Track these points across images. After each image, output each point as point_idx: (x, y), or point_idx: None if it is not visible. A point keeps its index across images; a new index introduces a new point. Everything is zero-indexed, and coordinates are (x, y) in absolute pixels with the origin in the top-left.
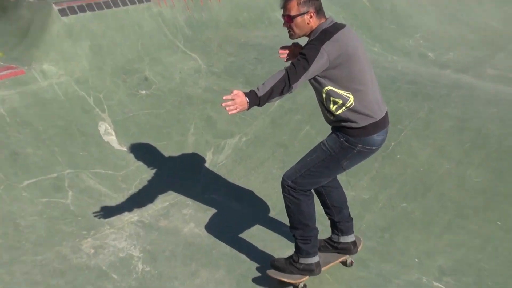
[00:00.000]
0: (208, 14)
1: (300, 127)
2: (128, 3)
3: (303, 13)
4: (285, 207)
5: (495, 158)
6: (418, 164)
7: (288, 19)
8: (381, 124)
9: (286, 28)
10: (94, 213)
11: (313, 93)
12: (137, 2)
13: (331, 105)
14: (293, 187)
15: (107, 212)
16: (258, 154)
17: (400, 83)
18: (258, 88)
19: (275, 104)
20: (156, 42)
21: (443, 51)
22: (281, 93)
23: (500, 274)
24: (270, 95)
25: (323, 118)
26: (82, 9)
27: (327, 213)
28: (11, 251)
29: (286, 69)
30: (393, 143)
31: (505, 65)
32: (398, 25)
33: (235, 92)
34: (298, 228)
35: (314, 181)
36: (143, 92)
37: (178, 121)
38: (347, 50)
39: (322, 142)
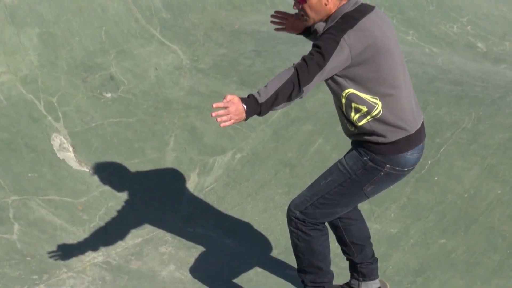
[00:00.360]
0: None
1: (310, 140)
2: None
3: None
4: (292, 245)
5: None
6: (461, 189)
7: (302, 0)
8: (416, 139)
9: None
10: (47, 252)
11: (328, 96)
12: None
13: (353, 113)
14: (303, 219)
15: (64, 250)
16: (257, 175)
17: (441, 83)
18: (258, 92)
19: (278, 111)
20: (124, 30)
21: (497, 40)
22: (289, 99)
23: None
24: (274, 101)
25: (341, 128)
26: None
27: (344, 252)
28: None
29: (296, 67)
30: (429, 162)
31: None
32: (439, 6)
33: (229, 97)
34: (308, 272)
35: (329, 211)
36: (109, 95)
37: (154, 133)
38: (375, 42)
39: (339, 161)
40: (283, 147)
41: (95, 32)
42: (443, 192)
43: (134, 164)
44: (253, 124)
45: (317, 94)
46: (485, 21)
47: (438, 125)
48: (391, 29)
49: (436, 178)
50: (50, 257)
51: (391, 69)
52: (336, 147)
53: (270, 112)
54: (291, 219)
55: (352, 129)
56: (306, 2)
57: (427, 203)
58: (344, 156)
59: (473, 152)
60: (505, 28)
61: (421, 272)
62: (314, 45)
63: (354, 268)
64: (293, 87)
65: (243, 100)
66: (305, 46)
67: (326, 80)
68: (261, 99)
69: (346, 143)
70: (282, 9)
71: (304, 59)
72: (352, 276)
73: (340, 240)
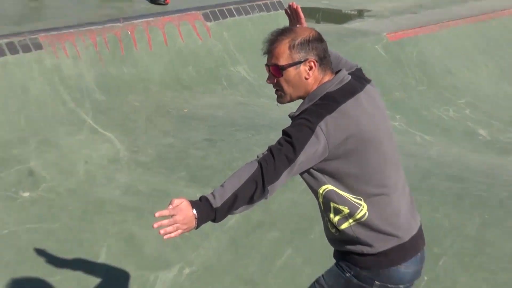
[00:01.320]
0: (133, 68)
1: (277, 251)
2: (7, 52)
3: (299, 62)
4: None
5: None
6: None
7: (275, 71)
8: (411, 248)
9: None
10: None
11: (298, 196)
12: (20, 51)
13: (332, 215)
14: None
15: None
16: None
17: (436, 179)
18: (213, 194)
19: (237, 215)
20: (49, 114)
21: (502, 126)
22: (251, 201)
23: None
24: (232, 205)
25: (314, 236)
26: None
27: None
28: None
29: (260, 161)
30: (426, 278)
31: None
32: (431, 85)
33: (176, 202)
34: None
35: None
36: (26, 194)
37: (81, 243)
38: (360, 132)
39: (316, 280)
40: (243, 260)
41: (12, 118)
42: None
43: (57, 281)
44: (206, 230)
45: (284, 193)
46: (487, 104)
47: (434, 231)
48: (383, 114)
49: None
50: None
51: (379, 164)
52: (308, 260)
53: (228, 216)
54: None
55: (333, 230)
56: (282, 75)
57: None
58: (323, 274)
59: (479, 266)
60: (509, 111)
61: None
62: (283, 133)
63: None
64: (255, 187)
65: (194, 205)
66: (270, 134)
67: (300, 174)
68: (216, 202)
69: (321, 255)
70: (241, 87)
71: (270, 150)
72: None
73: None
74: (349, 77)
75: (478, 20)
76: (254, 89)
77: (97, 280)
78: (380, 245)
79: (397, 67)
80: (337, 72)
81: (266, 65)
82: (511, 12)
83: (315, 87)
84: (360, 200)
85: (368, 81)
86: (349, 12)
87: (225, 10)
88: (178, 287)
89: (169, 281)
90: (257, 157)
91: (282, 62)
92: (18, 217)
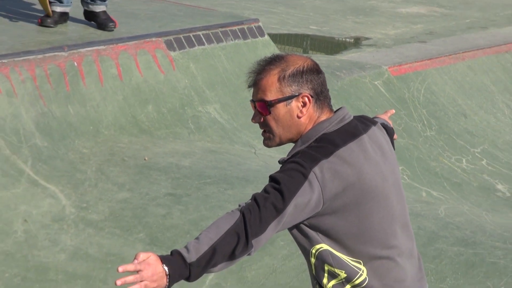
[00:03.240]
0: (81, 108)
1: None
2: None
3: (290, 97)
4: None
5: None
6: None
7: (262, 108)
8: None
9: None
10: None
11: (277, 262)
12: None
13: (325, 279)
14: None
15: None
16: None
17: (443, 243)
18: (187, 248)
19: (206, 284)
20: None
21: None
22: (232, 257)
23: None
24: (210, 260)
25: None
26: None
27: None
28: None
29: (242, 210)
30: None
31: None
32: (441, 130)
33: (142, 256)
34: None
35: None
36: None
37: None
38: (361, 181)
39: None
40: None
41: None
42: None
43: None
44: None
45: (262, 258)
46: (507, 153)
47: None
48: (390, 163)
49: None
50: None
51: (384, 221)
52: None
53: (194, 285)
54: None
55: None
56: (270, 112)
57: None
58: None
59: None
60: None
61: None
62: (271, 178)
63: None
64: (237, 240)
65: (164, 260)
66: (245, 188)
67: (289, 229)
68: (191, 257)
69: None
70: (211, 131)
71: (255, 198)
72: None
73: None
74: (351, 116)
75: (500, 51)
76: (227, 134)
77: None
78: None
79: (400, 108)
80: (336, 111)
81: (252, 100)
82: None
83: (309, 127)
84: (360, 263)
85: (374, 123)
86: (344, 40)
87: (192, 37)
88: None
89: None
90: (239, 205)
91: (270, 97)
92: None
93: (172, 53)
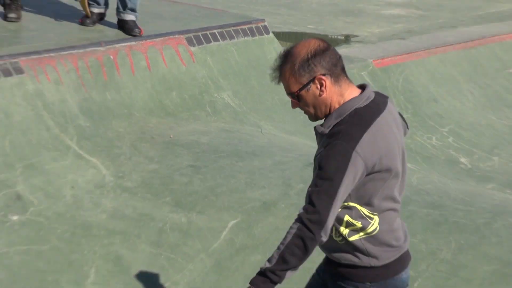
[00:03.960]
0: (116, 94)
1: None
2: None
3: (307, 84)
4: None
5: None
6: None
7: (293, 98)
8: (407, 255)
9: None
10: None
11: (280, 220)
12: (1, 75)
13: (342, 227)
14: None
15: None
16: None
17: (415, 206)
18: (268, 260)
19: (221, 238)
20: (33, 140)
21: (483, 155)
22: (306, 253)
23: None
24: (284, 264)
25: None
26: None
27: None
28: None
29: (301, 217)
30: None
31: None
32: (415, 113)
33: None
34: None
35: None
36: (15, 218)
37: (71, 264)
38: (389, 150)
39: None
40: (227, 282)
41: None
42: None
43: None
44: (191, 253)
45: (267, 218)
46: (470, 132)
47: (412, 255)
48: (400, 130)
49: None
50: None
51: (398, 180)
52: (290, 280)
53: (210, 239)
54: None
55: (339, 239)
56: (299, 100)
57: None
58: None
59: (453, 287)
60: (494, 141)
61: None
62: (319, 167)
63: None
64: (303, 243)
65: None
66: (253, 161)
67: None
68: (265, 266)
69: (303, 276)
70: (225, 113)
71: (309, 197)
72: None
73: None
74: (374, 93)
75: (467, 46)
76: (238, 116)
77: None
78: (385, 256)
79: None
80: (361, 87)
81: (287, 94)
82: (501, 39)
83: (337, 99)
84: (375, 215)
85: (387, 97)
86: (336, 37)
87: (209, 35)
88: None
89: None
90: (298, 213)
91: (293, 89)
92: (8, 239)
93: (192, 48)
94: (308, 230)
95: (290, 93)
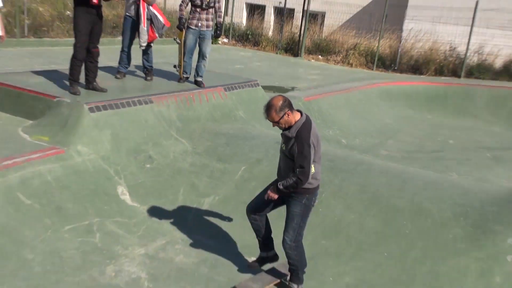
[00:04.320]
0: (192, 112)
1: (254, 191)
2: (137, 103)
3: (282, 116)
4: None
5: (384, 211)
6: (333, 215)
7: (276, 124)
8: (319, 185)
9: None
10: (114, 248)
11: (263, 168)
12: (143, 103)
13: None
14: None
15: (123, 247)
16: (226, 208)
17: (323, 161)
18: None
19: (238, 174)
20: (157, 132)
21: (351, 138)
22: (296, 187)
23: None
24: (285, 189)
25: (268, 183)
26: (105, 107)
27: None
28: (57, 274)
29: (297, 173)
30: (317, 201)
31: (393, 148)
32: (323, 120)
33: (270, 193)
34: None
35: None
36: (148, 166)
37: (172, 186)
38: (317, 139)
39: (290, 216)
40: (240, 193)
41: (141, 132)
42: (324, 217)
43: (161, 202)
44: (224, 180)
45: (258, 166)
46: (346, 128)
47: (322, 182)
48: (317, 131)
49: (320, 209)
50: (116, 250)
51: (319, 151)
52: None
53: (232, 173)
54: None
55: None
56: (278, 123)
57: (316, 223)
58: (288, 210)
59: (340, 196)
60: (355, 132)
61: (312, 258)
62: (299, 150)
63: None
64: (301, 181)
65: (272, 189)
66: (252, 140)
67: (290, 153)
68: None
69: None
70: (241, 121)
71: (300, 164)
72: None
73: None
74: (305, 114)
75: (348, 91)
76: (246, 122)
77: (180, 201)
78: (315, 183)
79: (308, 112)
80: (301, 112)
81: (271, 122)
82: (366, 87)
83: (293, 121)
84: (313, 164)
85: (309, 116)
86: (288, 87)
87: (232, 86)
88: (213, 205)
89: (209, 202)
90: (296, 171)
91: (276, 119)
92: (145, 175)
93: (226, 92)
94: (300, 180)
95: (274, 122)
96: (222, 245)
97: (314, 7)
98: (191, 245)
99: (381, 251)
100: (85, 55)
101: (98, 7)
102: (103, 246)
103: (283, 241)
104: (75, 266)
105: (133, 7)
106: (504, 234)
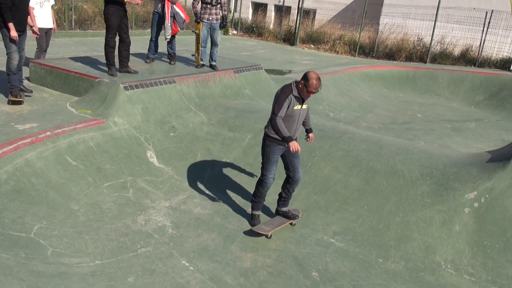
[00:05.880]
0: (208, 90)
1: (259, 155)
2: (163, 83)
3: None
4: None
5: (365, 172)
6: (323, 175)
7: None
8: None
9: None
10: (144, 201)
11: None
12: (168, 83)
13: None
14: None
15: (151, 201)
16: (236, 169)
17: (314, 130)
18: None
19: (245, 141)
20: (179, 106)
21: (338, 112)
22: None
23: (366, 235)
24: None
25: None
26: (137, 86)
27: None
28: (98, 222)
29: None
30: (309, 164)
31: (372, 121)
32: (314, 97)
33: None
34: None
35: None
36: (172, 134)
37: (191, 151)
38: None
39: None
40: (247, 157)
41: (166, 107)
42: (315, 176)
43: (182, 164)
44: (234, 146)
45: (260, 134)
46: (333, 104)
47: (313, 148)
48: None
49: (312, 170)
50: (145, 203)
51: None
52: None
53: (241, 140)
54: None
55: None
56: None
57: (309, 181)
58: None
59: (328, 159)
60: (341, 107)
61: (306, 210)
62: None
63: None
64: (275, 123)
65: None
66: (256, 114)
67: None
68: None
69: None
70: (247, 97)
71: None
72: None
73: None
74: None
75: (335, 74)
76: (252, 99)
77: (198, 163)
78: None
79: None
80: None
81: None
82: (349, 71)
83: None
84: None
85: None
86: (285, 70)
87: (241, 69)
88: (224, 167)
89: (222, 164)
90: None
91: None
92: (169, 142)
93: (235, 74)
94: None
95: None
96: (233, 199)
97: (307, 5)
98: (207, 199)
99: (362, 205)
100: (118, 44)
101: (124, 4)
102: (135, 199)
103: (298, 176)
104: (112, 216)
105: (160, 4)
106: (462, 190)
